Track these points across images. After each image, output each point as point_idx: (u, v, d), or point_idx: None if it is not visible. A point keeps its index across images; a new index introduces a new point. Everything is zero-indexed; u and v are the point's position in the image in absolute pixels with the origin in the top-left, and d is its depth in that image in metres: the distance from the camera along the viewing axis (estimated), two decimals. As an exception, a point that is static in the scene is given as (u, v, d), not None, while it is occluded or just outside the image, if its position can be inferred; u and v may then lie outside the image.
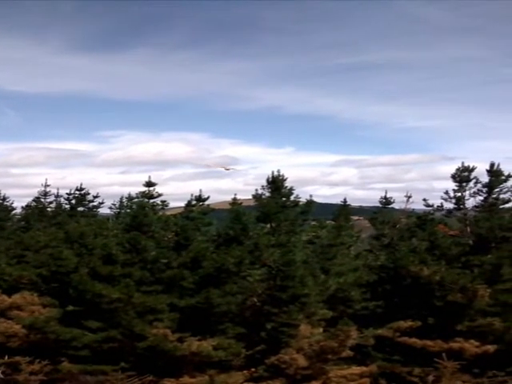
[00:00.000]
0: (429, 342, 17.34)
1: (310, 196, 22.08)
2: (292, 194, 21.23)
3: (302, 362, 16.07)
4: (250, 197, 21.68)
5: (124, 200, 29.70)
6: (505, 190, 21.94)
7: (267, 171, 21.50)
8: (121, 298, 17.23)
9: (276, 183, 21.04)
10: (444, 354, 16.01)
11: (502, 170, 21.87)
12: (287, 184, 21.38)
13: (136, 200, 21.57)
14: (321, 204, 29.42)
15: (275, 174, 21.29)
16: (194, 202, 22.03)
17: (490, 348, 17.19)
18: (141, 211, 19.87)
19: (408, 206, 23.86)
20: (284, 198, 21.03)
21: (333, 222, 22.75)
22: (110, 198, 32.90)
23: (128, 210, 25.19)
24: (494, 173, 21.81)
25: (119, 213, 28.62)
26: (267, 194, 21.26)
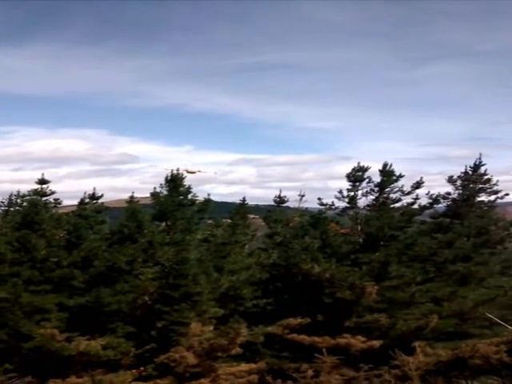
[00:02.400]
0: (317, 339, 17.78)
1: (208, 195, 22.17)
2: (190, 192, 21.20)
3: (191, 360, 16.09)
4: (148, 195, 21.52)
5: (13, 197, 28.65)
6: (395, 190, 22.72)
7: (169, 169, 21.33)
8: (8, 298, 16.83)
9: (174, 181, 20.95)
10: (324, 350, 16.43)
11: (394, 170, 22.67)
12: (185, 182, 21.36)
13: (27, 198, 20.95)
14: (218, 203, 29.57)
15: (174, 172, 21.20)
16: (87, 200, 21.66)
17: (376, 343, 17.82)
18: (32, 209, 19.36)
19: (301, 205, 24.38)
20: (181, 197, 20.97)
21: (229, 221, 22.91)
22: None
23: (18, 208, 24.40)
24: (386, 173, 22.52)
25: (7, 211, 27.62)
26: (165, 193, 21.15)
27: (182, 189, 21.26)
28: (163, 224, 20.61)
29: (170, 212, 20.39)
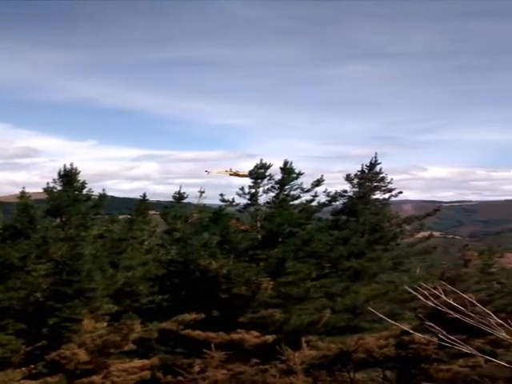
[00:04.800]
0: (212, 334, 17.94)
1: (103, 190, 21.77)
2: (85, 187, 20.75)
3: (83, 356, 15.89)
4: (46, 190, 20.91)
5: None
6: (295, 187, 23.22)
7: (67, 164, 20.83)
8: None
9: (68, 176, 20.51)
10: (213, 345, 16.66)
11: (295, 167, 23.14)
12: (80, 178, 20.86)
13: None
14: (121, 198, 29.24)
15: (67, 167, 20.73)
16: (-21, 194, 20.86)
17: (270, 338, 18.17)
18: None
19: (201, 201, 24.49)
20: (76, 192, 20.57)
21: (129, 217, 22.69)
22: None
23: None
24: (287, 170, 22.95)
25: None
26: (59, 188, 20.66)
27: (76, 184, 20.79)
28: (57, 219, 20.16)
29: (64, 207, 19.91)
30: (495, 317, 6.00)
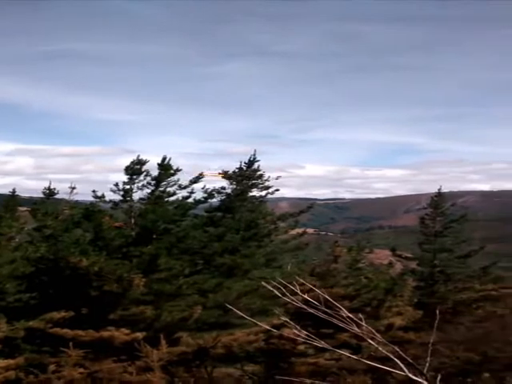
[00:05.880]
0: (80, 332, 17.63)
1: (-37, 185, 20.88)
2: None
3: None
4: None
5: None
6: (171, 184, 23.20)
7: None
8: None
9: None
10: (71, 343, 16.47)
11: (172, 164, 23.10)
12: None
13: None
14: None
15: None
16: None
17: (139, 335, 18.11)
18: None
19: (73, 197, 23.97)
20: None
21: (-2, 213, 21.82)
22: None
23: None
24: (164, 167, 22.87)
25: None
26: None
27: None
28: None
29: None
30: (346, 311, 6.41)
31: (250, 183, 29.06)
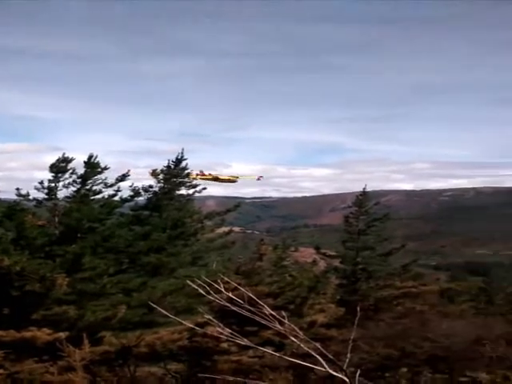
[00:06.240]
0: (1, 332, 17.32)
1: None
2: None
3: None
4: None
5: None
6: (98, 182, 22.97)
7: None
8: None
9: None
10: None
11: (99, 162, 22.86)
12: None
13: None
14: None
15: None
16: None
17: (62, 335, 17.91)
18: None
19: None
20: None
21: None
22: None
23: None
24: (91, 165, 22.66)
25: None
26: None
27: None
28: None
29: None
30: (269, 309, 6.65)
31: (177, 181, 29.05)
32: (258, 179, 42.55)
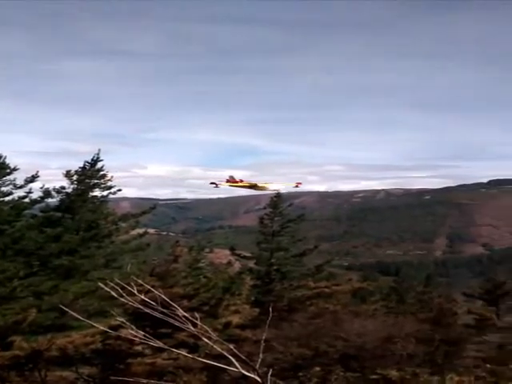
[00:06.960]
0: None
1: None
2: None
3: None
4: None
5: None
6: (7, 183, 22.33)
7: None
8: None
9: None
10: None
11: (8, 163, 22.23)
12: None
13: None
14: None
15: None
16: None
17: None
18: None
19: None
20: None
21: None
22: None
23: None
24: (-1, 166, 22.04)
25: None
26: None
27: None
28: None
29: None
30: (182, 311, 6.71)
31: (91, 183, 28.51)
32: (297, 186, 41.92)
